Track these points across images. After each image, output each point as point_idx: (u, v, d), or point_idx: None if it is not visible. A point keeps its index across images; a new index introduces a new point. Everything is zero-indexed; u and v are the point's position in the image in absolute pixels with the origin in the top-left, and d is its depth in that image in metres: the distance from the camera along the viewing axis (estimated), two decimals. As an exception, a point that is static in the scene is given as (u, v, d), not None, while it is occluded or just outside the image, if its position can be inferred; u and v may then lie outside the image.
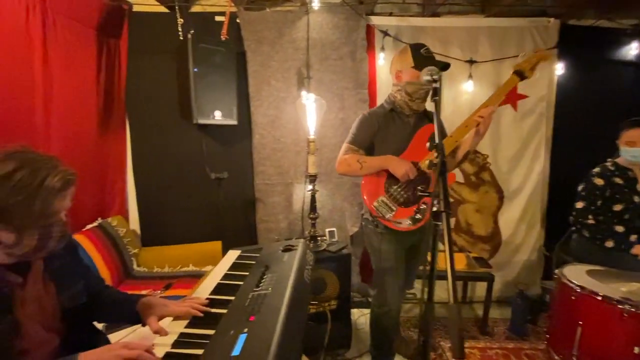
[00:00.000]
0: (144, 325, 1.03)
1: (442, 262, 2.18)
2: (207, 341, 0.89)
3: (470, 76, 2.37)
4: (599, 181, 1.88)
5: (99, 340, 1.07)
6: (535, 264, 2.61)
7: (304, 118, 2.19)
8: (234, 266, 1.38)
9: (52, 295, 0.94)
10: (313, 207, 2.09)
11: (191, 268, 2.22)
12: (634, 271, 1.64)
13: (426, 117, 1.71)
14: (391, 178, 1.61)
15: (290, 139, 2.46)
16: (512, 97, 2.41)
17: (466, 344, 2.16)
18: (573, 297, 1.51)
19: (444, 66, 1.59)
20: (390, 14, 2.39)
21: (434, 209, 0.78)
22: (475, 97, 2.35)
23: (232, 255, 1.48)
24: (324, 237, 2.15)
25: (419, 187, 1.53)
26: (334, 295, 2.02)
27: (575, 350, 1.48)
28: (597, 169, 1.93)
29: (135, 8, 2.26)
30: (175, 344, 0.91)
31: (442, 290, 2.50)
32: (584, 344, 1.46)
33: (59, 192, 0.80)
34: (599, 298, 1.43)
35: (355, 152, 1.65)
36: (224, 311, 1.03)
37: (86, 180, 2.00)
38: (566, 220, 2.01)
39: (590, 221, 1.87)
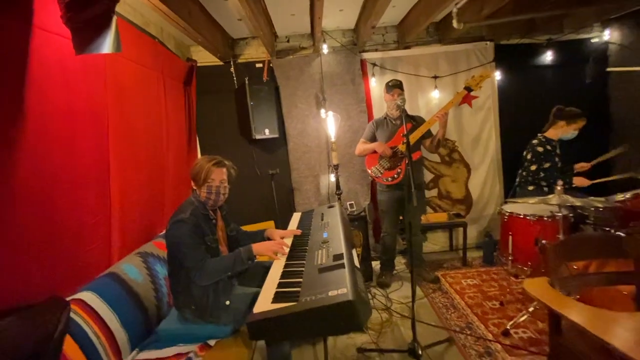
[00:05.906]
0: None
1: (431, 217, 3.31)
2: (308, 243, 1.86)
3: (435, 87, 3.38)
4: (540, 149, 2.74)
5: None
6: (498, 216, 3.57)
7: (324, 128, 3.17)
8: (302, 217, 2.36)
9: (224, 227, 1.92)
10: (338, 185, 3.06)
11: (256, 240, 3.18)
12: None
13: (409, 119, 2.70)
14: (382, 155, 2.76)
15: (314, 144, 3.45)
16: (467, 99, 3.41)
17: (452, 272, 3.11)
18: (505, 219, 2.49)
19: (400, 83, 2.71)
20: (376, 50, 3.41)
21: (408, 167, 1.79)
22: (441, 101, 3.35)
23: (297, 215, 2.46)
24: (346, 208, 3.11)
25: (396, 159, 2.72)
26: (359, 245, 2.98)
27: (510, 250, 2.44)
28: (536, 141, 2.75)
29: (200, 64, 3.27)
30: (292, 246, 1.90)
31: (431, 242, 3.49)
32: (514, 247, 2.43)
33: (211, 167, 1.76)
34: (521, 216, 2.40)
35: (365, 142, 2.89)
36: (310, 232, 2.01)
37: (184, 185, 2.97)
38: (514, 181, 2.96)
39: (542, 175, 2.72)
